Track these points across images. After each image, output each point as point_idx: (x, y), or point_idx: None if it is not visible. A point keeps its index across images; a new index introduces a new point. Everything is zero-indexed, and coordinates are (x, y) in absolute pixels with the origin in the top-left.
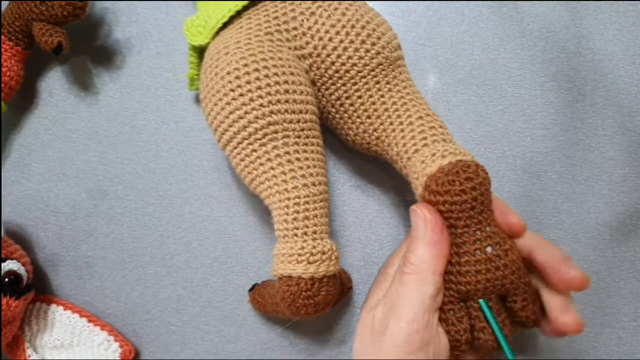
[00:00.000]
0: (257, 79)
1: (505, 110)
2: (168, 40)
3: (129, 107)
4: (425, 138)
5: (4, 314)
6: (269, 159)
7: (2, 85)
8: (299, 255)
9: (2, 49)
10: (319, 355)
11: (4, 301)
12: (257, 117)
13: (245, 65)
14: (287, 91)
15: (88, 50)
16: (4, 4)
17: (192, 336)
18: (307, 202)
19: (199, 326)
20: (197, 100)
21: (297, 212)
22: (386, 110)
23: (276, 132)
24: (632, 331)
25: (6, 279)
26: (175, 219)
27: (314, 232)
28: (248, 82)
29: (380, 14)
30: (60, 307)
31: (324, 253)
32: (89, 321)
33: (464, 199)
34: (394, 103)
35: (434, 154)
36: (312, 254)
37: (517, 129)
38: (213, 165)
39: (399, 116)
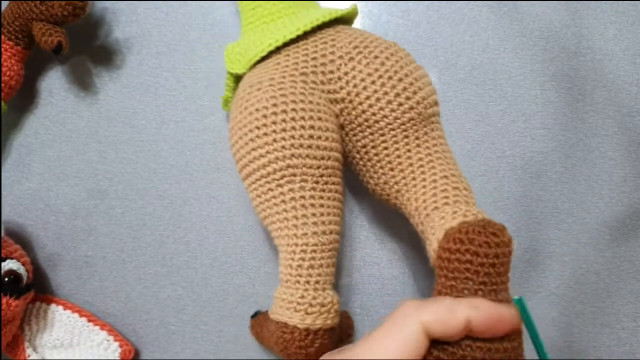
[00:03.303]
0: (284, 120)
1: (505, 110)
2: (168, 40)
3: (129, 107)
4: (447, 197)
5: (4, 313)
6: (283, 201)
7: (2, 85)
8: (298, 304)
9: (2, 49)
10: None
11: (3, 301)
12: (277, 158)
13: (274, 105)
14: (311, 136)
15: (88, 50)
16: (4, 4)
17: (192, 336)
18: (315, 251)
19: (199, 326)
20: (198, 100)
21: (303, 259)
22: (410, 165)
23: (294, 175)
24: (632, 331)
25: (6, 279)
26: (175, 219)
27: (317, 282)
28: (274, 123)
29: (422, 67)
30: (60, 307)
31: (323, 305)
32: (89, 321)
33: (489, 258)
34: (420, 159)
35: (455, 212)
36: (310, 305)
37: (517, 129)
38: (213, 165)
39: (422, 172)
